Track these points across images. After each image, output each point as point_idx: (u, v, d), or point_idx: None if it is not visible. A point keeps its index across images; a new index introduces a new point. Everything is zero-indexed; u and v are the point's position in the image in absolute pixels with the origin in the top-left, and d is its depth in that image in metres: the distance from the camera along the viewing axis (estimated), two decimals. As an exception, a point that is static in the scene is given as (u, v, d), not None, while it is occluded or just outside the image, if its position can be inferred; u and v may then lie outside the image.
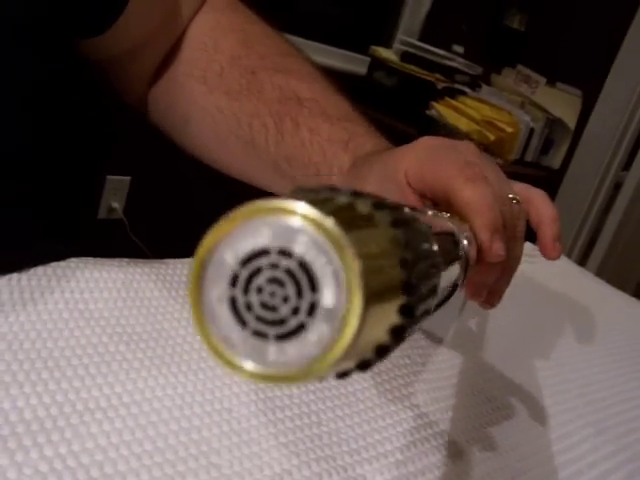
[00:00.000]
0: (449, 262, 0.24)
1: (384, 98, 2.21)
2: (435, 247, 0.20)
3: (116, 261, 0.44)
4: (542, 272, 0.75)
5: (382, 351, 0.16)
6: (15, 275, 0.38)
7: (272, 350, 0.14)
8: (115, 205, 1.80)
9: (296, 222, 0.14)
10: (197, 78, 0.54)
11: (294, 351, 0.14)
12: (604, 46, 2.33)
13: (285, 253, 0.14)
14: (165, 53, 0.56)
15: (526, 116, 2.30)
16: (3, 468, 0.26)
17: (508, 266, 0.41)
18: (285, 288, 0.14)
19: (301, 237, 0.14)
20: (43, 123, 0.49)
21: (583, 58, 2.36)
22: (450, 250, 0.26)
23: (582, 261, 2.52)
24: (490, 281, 0.40)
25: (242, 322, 0.14)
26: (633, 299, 0.83)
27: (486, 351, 0.53)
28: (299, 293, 0.14)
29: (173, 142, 0.59)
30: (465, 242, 0.29)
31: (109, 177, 1.78)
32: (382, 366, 0.44)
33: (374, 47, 2.31)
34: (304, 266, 0.14)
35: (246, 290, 0.14)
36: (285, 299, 0.14)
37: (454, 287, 0.26)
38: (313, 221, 0.14)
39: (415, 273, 0.16)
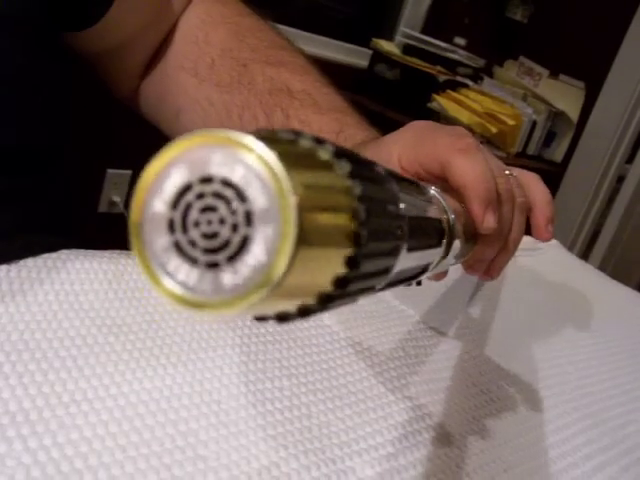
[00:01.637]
0: (422, 233, 0.23)
1: (386, 91, 2.20)
2: (400, 211, 0.19)
3: (107, 253, 0.43)
4: (543, 265, 0.75)
5: (324, 300, 0.16)
6: (4, 266, 0.38)
7: (227, 275, 0.14)
8: (116, 199, 1.80)
9: (204, 147, 0.14)
10: (188, 70, 0.54)
11: (246, 267, 0.14)
12: (607, 38, 2.32)
13: (206, 180, 0.14)
14: (156, 46, 0.55)
15: (528, 109, 2.29)
16: (-14, 460, 0.26)
17: (510, 239, 0.40)
18: (218, 211, 0.14)
19: (214, 157, 0.14)
20: (41, 118, 0.49)
21: (586, 50, 2.35)
22: (428, 225, 0.25)
23: (585, 254, 2.51)
24: (488, 257, 0.39)
25: (192, 260, 0.14)
26: (635, 292, 0.82)
27: (482, 343, 0.52)
28: (232, 211, 0.14)
29: (165, 135, 0.59)
30: (452, 216, 0.28)
31: (109, 171, 1.78)
32: (375, 358, 0.44)
33: (376, 40, 2.30)
34: (227, 183, 0.14)
35: (185, 229, 0.14)
36: (222, 221, 0.14)
37: (427, 265, 0.26)
38: (220, 138, 0.14)
39: (368, 226, 0.16)
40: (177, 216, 0.14)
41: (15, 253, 0.39)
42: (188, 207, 0.14)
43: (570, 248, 2.36)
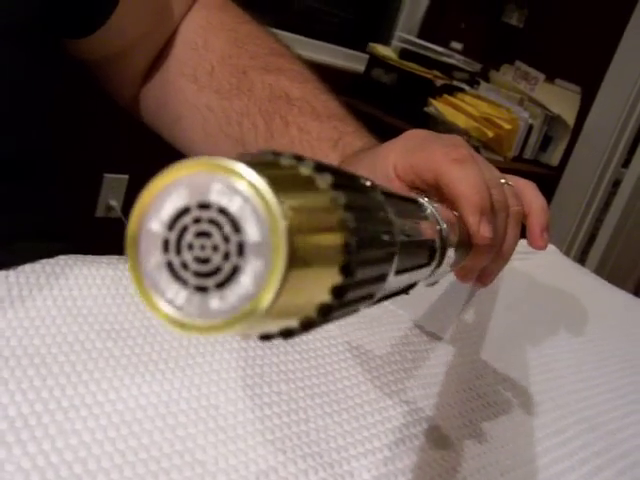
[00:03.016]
0: (414, 242, 0.24)
1: (382, 95, 2.21)
2: (389, 218, 0.20)
3: (105, 258, 0.43)
4: (538, 269, 0.75)
5: (325, 311, 0.16)
6: (3, 272, 0.38)
7: (215, 300, 0.15)
8: (113, 203, 1.80)
9: (206, 174, 0.14)
10: (188, 77, 0.54)
11: (234, 296, 0.14)
12: (603, 42, 2.32)
13: (204, 206, 0.14)
14: (156, 53, 0.56)
15: (525, 113, 2.30)
16: (-14, 465, 0.26)
17: (504, 248, 0.40)
18: (212, 238, 0.15)
19: (214, 185, 0.14)
20: (38, 124, 0.49)
21: (582, 54, 2.35)
22: (420, 234, 0.25)
23: (581, 258, 2.52)
24: (481, 266, 0.40)
25: (182, 282, 0.15)
26: (630, 296, 0.82)
27: (478, 347, 0.53)
28: (225, 239, 0.14)
29: (163, 140, 0.59)
30: (445, 226, 0.29)
31: (107, 175, 1.78)
32: (372, 362, 0.44)
33: (372, 44, 2.31)
34: (223, 212, 0.14)
35: (178, 251, 0.15)
36: (215, 248, 0.14)
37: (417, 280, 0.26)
38: (222, 167, 0.14)
39: (357, 234, 0.16)
40: (172, 237, 0.15)
41: (14, 259, 0.39)
42: (184, 230, 0.15)
43: (566, 252, 2.37)
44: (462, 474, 0.37)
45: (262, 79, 0.53)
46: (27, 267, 0.40)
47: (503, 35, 2.53)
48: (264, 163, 0.15)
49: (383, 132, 0.52)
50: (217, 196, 0.14)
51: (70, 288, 0.39)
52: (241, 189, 0.14)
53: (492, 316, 0.59)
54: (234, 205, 0.14)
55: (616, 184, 2.51)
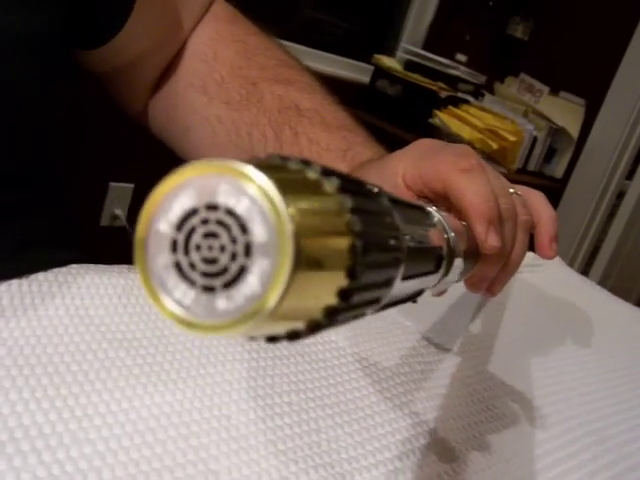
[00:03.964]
0: (422, 249, 0.24)
1: (387, 107, 2.22)
2: (396, 223, 0.20)
3: (116, 267, 0.44)
4: (544, 281, 0.75)
5: (331, 313, 0.16)
6: (15, 281, 0.38)
7: (222, 300, 0.15)
8: (118, 212, 1.81)
9: (214, 175, 0.15)
10: (197, 88, 0.55)
11: (241, 296, 0.14)
12: (607, 55, 2.33)
13: (212, 207, 0.15)
14: (166, 65, 0.56)
15: (529, 125, 2.31)
16: (1, 473, 0.26)
17: (513, 257, 0.40)
18: (220, 238, 0.15)
19: (222, 187, 0.15)
20: (45, 133, 0.49)
21: (586, 67, 2.36)
22: (427, 242, 0.26)
23: (585, 270, 2.52)
24: (490, 275, 0.40)
25: (190, 282, 0.15)
26: (635, 308, 0.82)
27: (486, 359, 0.53)
28: (233, 240, 0.15)
29: (169, 150, 0.60)
30: (452, 235, 0.29)
31: (112, 184, 1.78)
32: (381, 374, 0.44)
33: (377, 56, 2.32)
34: (231, 213, 0.15)
35: (186, 251, 0.15)
36: (222, 248, 0.15)
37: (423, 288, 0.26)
38: (230, 169, 0.14)
39: (364, 237, 0.16)
40: (180, 238, 0.15)
41: (27, 267, 0.40)
42: (192, 231, 0.15)
43: (570, 264, 2.36)
44: (472, 486, 0.37)
45: (271, 90, 0.54)
46: (40, 275, 0.40)
47: (508, 47, 2.54)
48: (272, 166, 0.16)
49: (388, 143, 0.52)
50: (225, 197, 0.14)
51: (82, 297, 0.40)
52: (249, 190, 0.14)
53: (500, 328, 0.59)
54: (241, 206, 0.14)
55: (620, 196, 2.51)
